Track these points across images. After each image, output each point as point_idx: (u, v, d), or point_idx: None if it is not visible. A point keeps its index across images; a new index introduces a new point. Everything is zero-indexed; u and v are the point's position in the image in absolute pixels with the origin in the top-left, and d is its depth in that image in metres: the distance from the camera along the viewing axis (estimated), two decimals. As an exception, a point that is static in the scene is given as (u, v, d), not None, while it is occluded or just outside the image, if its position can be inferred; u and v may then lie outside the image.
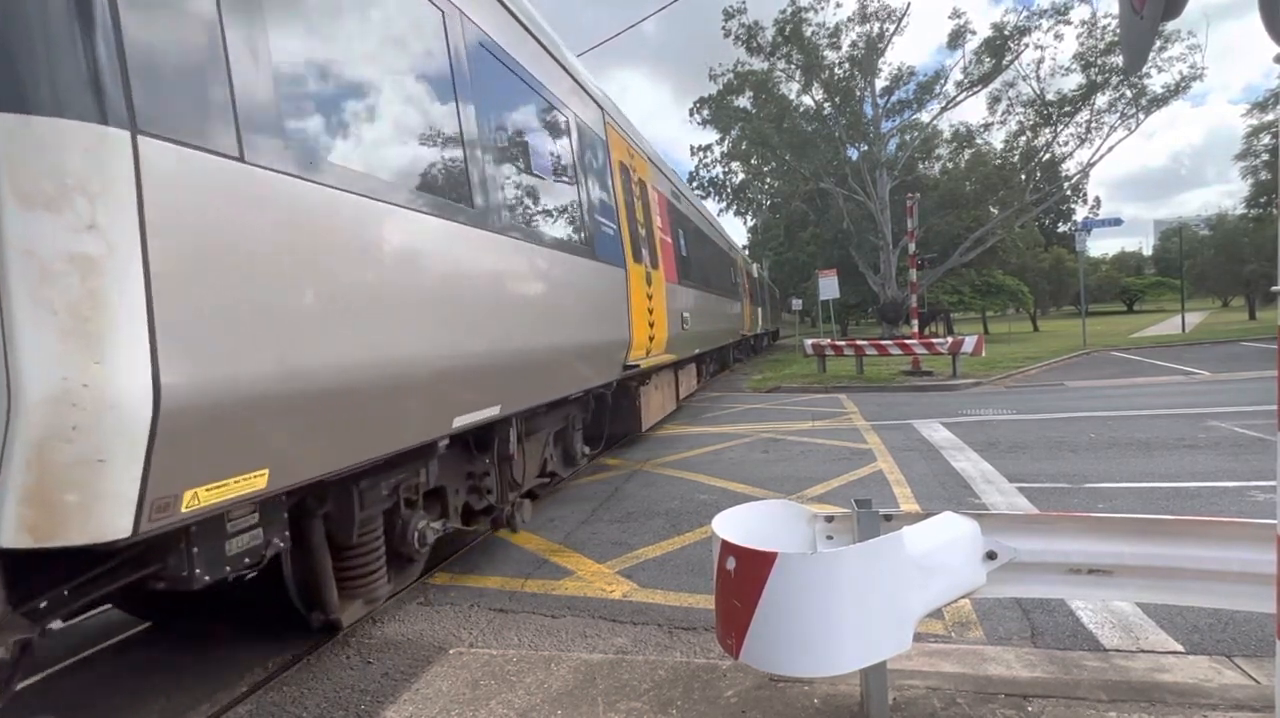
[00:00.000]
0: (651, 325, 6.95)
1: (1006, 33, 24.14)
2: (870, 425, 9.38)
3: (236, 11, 2.02)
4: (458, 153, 3.32)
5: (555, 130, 4.92)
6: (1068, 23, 23.53)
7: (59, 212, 1.58)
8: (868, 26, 24.89)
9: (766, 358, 25.55)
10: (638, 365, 6.44)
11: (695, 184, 31.95)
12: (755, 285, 24.43)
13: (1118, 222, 24.79)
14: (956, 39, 25.15)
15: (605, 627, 3.56)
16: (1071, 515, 2.51)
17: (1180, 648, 3.01)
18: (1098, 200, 28.45)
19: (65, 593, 2.05)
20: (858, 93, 25.77)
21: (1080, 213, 29.23)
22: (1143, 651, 3.00)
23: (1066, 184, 26.74)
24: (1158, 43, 19.34)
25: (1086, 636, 3.17)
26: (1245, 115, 48.93)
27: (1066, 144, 25.55)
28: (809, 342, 17.69)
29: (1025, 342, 27.85)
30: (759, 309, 25.42)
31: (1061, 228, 41.77)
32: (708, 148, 31.98)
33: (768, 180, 31.73)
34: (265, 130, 2.07)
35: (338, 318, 2.33)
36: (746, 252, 25.36)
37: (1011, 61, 24.57)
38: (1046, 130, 25.60)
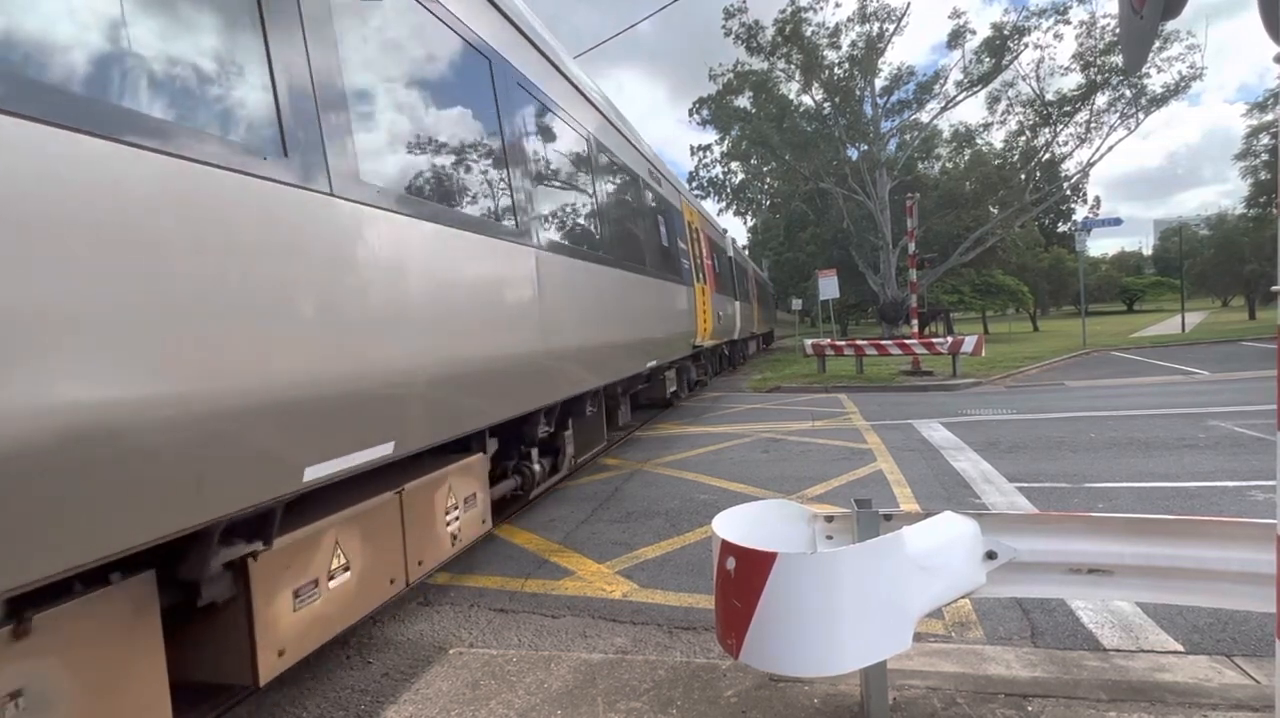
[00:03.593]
0: None
1: (1006, 33, 24.19)
2: (870, 425, 9.37)
3: None
4: None
5: None
6: (1067, 23, 23.59)
7: None
8: (867, 26, 24.96)
9: (766, 358, 25.51)
10: None
11: (695, 184, 31.97)
12: (731, 268, 16.95)
13: (1117, 221, 24.82)
14: (956, 39, 25.21)
15: (605, 627, 3.56)
16: (1071, 515, 2.51)
17: (1180, 648, 3.01)
18: (1097, 200, 28.45)
19: None
20: (857, 93, 25.81)
21: (1080, 213, 29.27)
22: (1143, 650, 2.99)
23: (1066, 184, 26.76)
24: (1157, 43, 19.33)
25: (1086, 635, 3.17)
26: (1245, 115, 49.00)
27: (1066, 144, 25.63)
28: (809, 342, 17.68)
29: (1025, 341, 27.85)
30: (737, 304, 17.16)
31: (1061, 228, 41.75)
32: (707, 148, 32.13)
33: (767, 180, 31.76)
34: None
35: None
36: (746, 252, 24.00)
37: (1011, 61, 24.62)
38: (1046, 130, 25.64)
